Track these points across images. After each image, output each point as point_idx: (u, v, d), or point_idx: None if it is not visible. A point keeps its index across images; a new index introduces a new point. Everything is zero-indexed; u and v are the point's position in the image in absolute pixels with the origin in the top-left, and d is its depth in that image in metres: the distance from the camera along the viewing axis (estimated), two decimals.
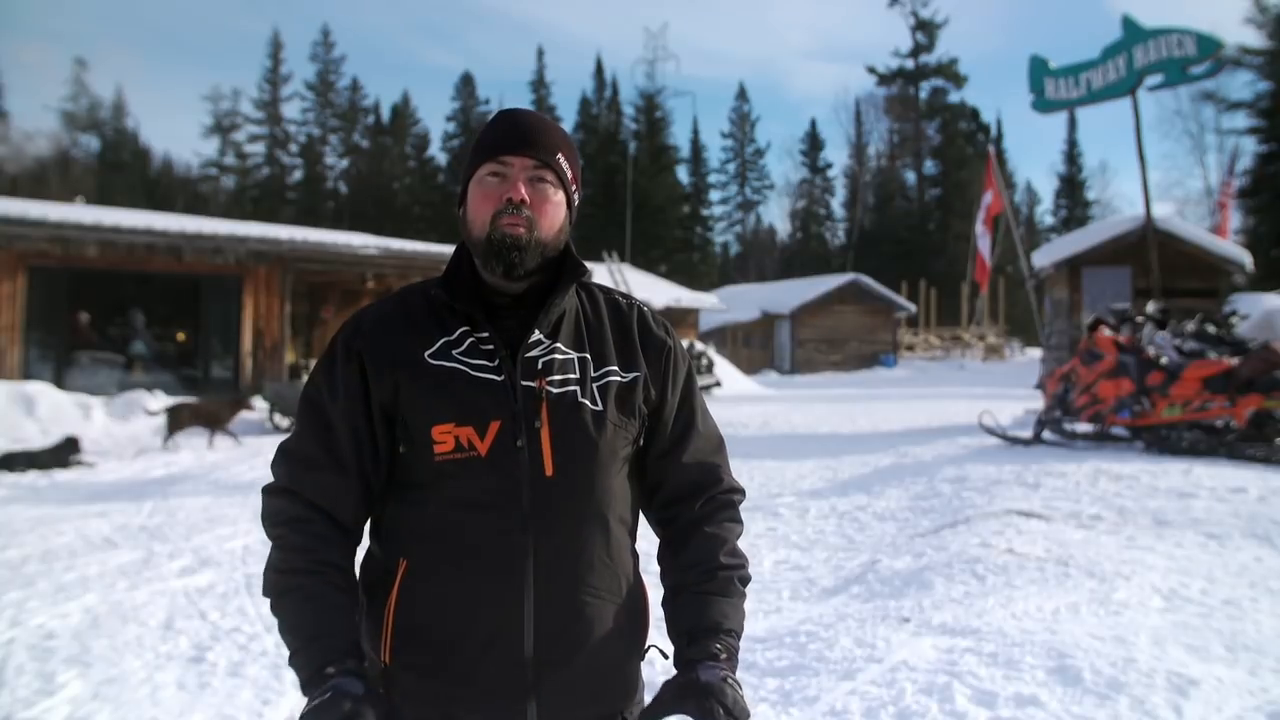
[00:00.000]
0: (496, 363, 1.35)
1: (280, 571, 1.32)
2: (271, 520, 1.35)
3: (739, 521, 1.49)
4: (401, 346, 1.37)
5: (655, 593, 1.47)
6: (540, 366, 1.36)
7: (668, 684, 1.34)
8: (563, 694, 1.33)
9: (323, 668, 1.24)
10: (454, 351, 1.36)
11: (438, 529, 1.33)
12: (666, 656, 1.44)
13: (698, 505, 1.46)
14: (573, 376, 1.38)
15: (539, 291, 1.41)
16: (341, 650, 1.26)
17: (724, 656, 1.35)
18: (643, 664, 1.47)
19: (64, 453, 9.34)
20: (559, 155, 1.39)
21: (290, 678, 3.54)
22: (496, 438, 1.32)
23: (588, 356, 1.41)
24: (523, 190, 1.35)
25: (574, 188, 1.44)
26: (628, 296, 1.53)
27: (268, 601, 1.33)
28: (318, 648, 1.26)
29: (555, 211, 1.39)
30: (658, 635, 1.44)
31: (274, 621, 1.32)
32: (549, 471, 1.32)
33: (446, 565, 1.32)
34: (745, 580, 1.45)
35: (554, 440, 1.33)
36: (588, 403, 1.37)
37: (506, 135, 1.38)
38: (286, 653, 1.29)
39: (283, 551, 1.33)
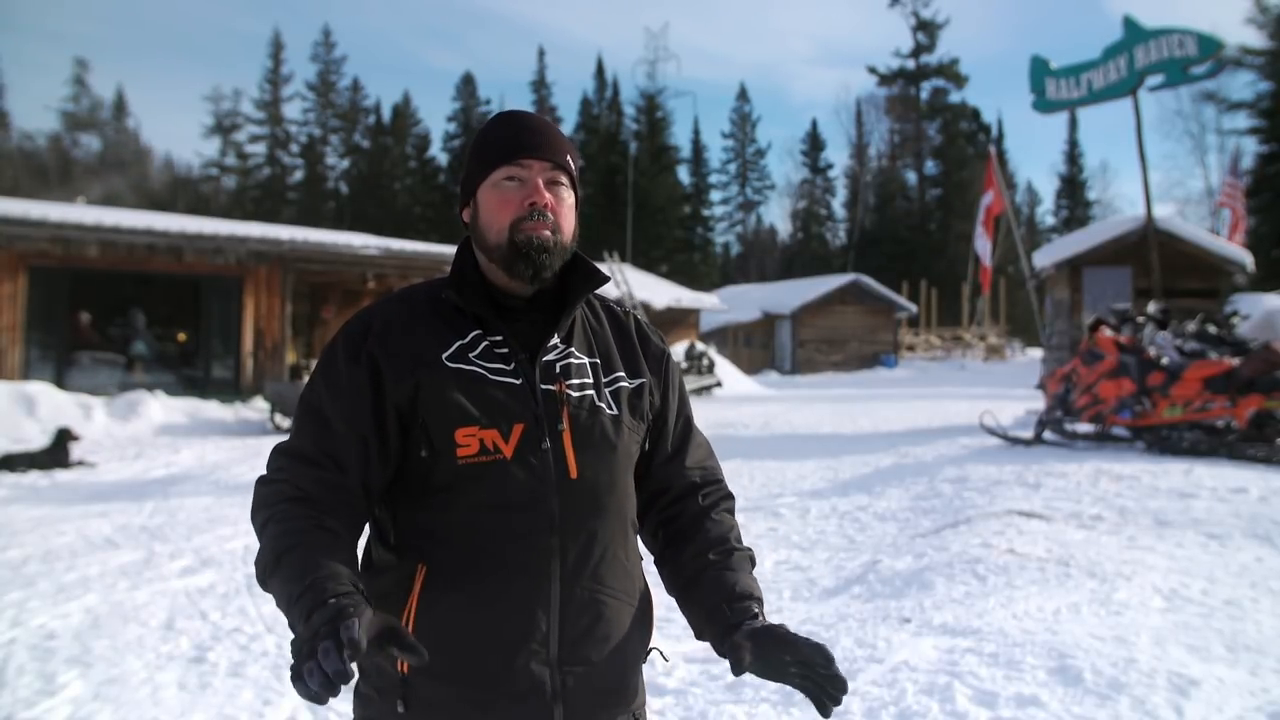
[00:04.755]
0: (513, 366, 1.35)
1: (277, 538, 1.20)
2: (261, 504, 1.27)
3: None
4: (419, 348, 1.34)
5: (658, 593, 1.48)
6: (558, 370, 1.37)
7: (748, 638, 1.27)
8: (587, 696, 1.33)
9: (326, 598, 1.10)
10: (470, 355, 1.34)
11: (461, 533, 1.30)
12: (667, 660, 1.46)
13: (701, 499, 1.49)
14: (588, 381, 1.39)
15: (548, 295, 1.41)
16: (344, 580, 1.13)
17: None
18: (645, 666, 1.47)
19: (61, 448, 9.26)
20: (568, 156, 1.40)
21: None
22: (521, 440, 1.31)
23: (598, 362, 1.42)
24: (546, 194, 1.36)
25: (577, 188, 1.46)
26: (620, 303, 1.56)
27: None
28: (320, 584, 1.12)
29: (571, 215, 1.41)
30: (659, 637, 1.46)
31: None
32: (573, 474, 1.33)
33: (470, 569, 1.30)
34: (754, 564, 1.47)
35: (576, 443, 1.34)
36: (605, 406, 1.39)
37: (521, 138, 1.37)
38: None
39: (279, 524, 1.21)
